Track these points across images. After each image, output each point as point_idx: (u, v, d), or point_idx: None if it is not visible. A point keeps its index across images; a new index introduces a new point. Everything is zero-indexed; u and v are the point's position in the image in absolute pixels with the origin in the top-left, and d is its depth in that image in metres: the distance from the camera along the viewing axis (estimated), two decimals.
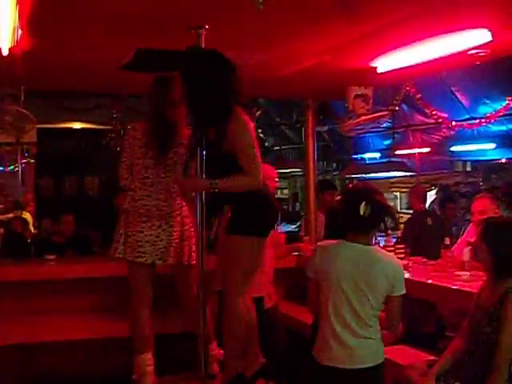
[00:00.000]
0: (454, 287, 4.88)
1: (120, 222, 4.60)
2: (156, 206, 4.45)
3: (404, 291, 3.84)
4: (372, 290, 3.69)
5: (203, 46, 4.47)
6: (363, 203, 3.69)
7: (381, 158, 12.11)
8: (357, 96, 6.62)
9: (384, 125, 11.29)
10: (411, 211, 14.48)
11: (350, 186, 5.57)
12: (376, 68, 5.84)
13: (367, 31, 4.80)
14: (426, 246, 6.66)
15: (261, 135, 14.67)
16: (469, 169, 13.57)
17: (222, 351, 4.56)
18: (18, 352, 5.72)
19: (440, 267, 5.64)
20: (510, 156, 11.01)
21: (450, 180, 13.46)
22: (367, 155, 12.49)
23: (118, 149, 7.78)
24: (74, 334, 5.79)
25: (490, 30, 4.81)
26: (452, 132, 8.74)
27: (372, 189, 3.90)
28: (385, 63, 5.75)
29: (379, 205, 3.78)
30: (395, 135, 11.47)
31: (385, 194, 11.43)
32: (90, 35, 4.80)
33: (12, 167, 11.00)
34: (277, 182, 5.85)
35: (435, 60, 5.51)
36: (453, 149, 10.90)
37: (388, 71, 5.90)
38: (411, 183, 14.26)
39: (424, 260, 6.13)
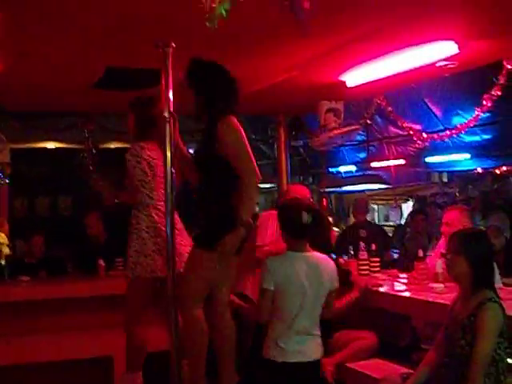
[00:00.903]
0: (429, 300, 4.87)
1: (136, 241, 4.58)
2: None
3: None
4: (321, 290, 4.31)
5: (170, 63, 4.48)
6: (304, 213, 4.23)
7: (357, 171, 12.09)
8: (328, 110, 6.65)
9: (358, 138, 11.34)
10: (389, 223, 14.62)
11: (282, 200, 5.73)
12: (345, 82, 5.85)
13: (333, 46, 4.84)
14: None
15: None
16: (445, 180, 13.58)
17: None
18: None
19: (414, 279, 5.63)
20: (484, 166, 11.04)
21: (427, 191, 13.47)
22: (342, 168, 12.46)
23: (91, 168, 7.75)
24: (49, 355, 5.75)
25: (456, 42, 4.85)
26: (426, 143, 8.76)
27: (307, 200, 4.69)
28: (353, 77, 5.78)
29: (318, 213, 4.51)
30: (370, 148, 11.47)
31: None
32: (57, 55, 4.80)
33: None
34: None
35: (404, 73, 5.57)
36: (427, 160, 10.89)
37: (357, 85, 5.92)
38: (389, 195, 14.32)
39: (398, 273, 6.13)
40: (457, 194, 12.56)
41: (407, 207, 14.35)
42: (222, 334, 4.26)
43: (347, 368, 5.04)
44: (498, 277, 4.98)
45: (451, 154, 10.48)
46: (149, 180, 4.60)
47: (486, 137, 9.83)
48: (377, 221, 15.75)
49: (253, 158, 4.07)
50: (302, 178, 13.90)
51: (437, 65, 5.34)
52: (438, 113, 9.89)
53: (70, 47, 4.64)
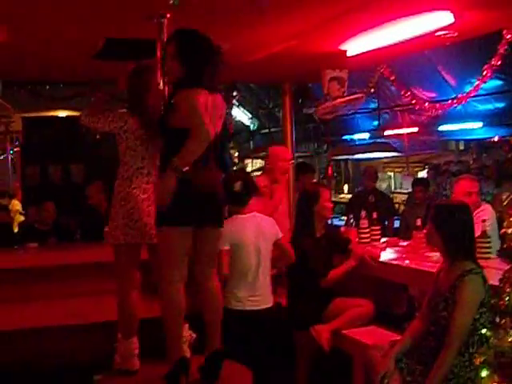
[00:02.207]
0: (424, 269, 4.91)
1: (116, 209, 4.60)
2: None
3: (282, 234, 5.16)
4: (269, 244, 5.04)
5: (165, 35, 4.52)
6: (237, 183, 4.95)
7: (370, 138, 12.10)
8: (332, 79, 6.64)
9: (372, 105, 11.33)
10: (405, 190, 14.60)
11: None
12: (346, 51, 5.85)
13: (331, 15, 4.83)
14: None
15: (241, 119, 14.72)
16: (462, 148, 13.53)
17: (194, 334, 4.61)
18: None
19: (412, 248, 5.67)
20: (497, 134, 10.99)
21: (442, 159, 13.44)
22: (356, 136, 12.47)
23: (98, 137, 7.82)
24: (53, 320, 5.85)
25: (452, 12, 4.83)
26: (439, 111, 8.70)
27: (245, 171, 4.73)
28: (354, 46, 5.77)
29: (249, 183, 5.09)
30: (384, 116, 11.46)
31: (379, 174, 11.58)
32: (57, 27, 4.85)
33: (2, 157, 11.11)
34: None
35: (404, 42, 5.53)
36: (440, 128, 10.87)
37: (358, 54, 5.92)
38: (404, 163, 14.30)
39: (397, 241, 6.18)
40: (471, 163, 12.51)
41: (423, 175, 14.31)
42: (206, 306, 4.31)
43: (342, 335, 5.10)
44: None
45: (464, 122, 10.47)
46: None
47: (498, 105, 9.81)
48: (392, 188, 15.76)
49: (204, 119, 3.84)
50: (316, 145, 13.96)
51: (436, 34, 5.31)
52: (452, 81, 9.86)
53: (68, 18, 4.68)
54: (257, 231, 5.03)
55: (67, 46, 5.37)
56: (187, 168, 3.84)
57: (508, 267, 2.91)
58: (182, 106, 3.88)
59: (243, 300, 4.97)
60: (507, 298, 2.82)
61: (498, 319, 2.82)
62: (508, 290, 2.84)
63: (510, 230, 2.81)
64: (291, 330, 5.43)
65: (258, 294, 5.00)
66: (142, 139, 4.48)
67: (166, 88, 4.52)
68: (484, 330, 2.88)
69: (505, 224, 2.95)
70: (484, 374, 2.82)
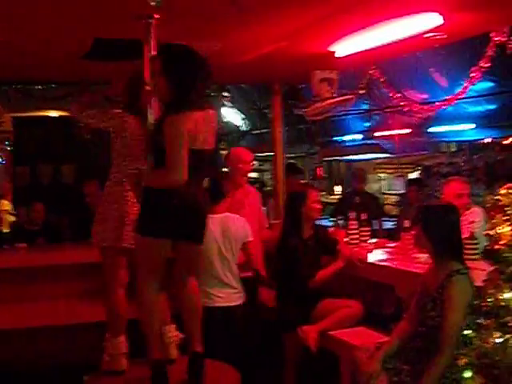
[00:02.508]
0: (412, 270, 4.93)
1: (107, 212, 4.58)
2: None
3: (251, 238, 5.36)
4: (234, 244, 5.21)
5: (153, 36, 4.51)
6: (207, 179, 4.98)
7: (362, 139, 12.09)
8: (322, 80, 6.64)
9: (363, 106, 11.32)
10: (395, 192, 14.60)
11: None
12: (334, 52, 5.86)
13: (320, 16, 4.84)
14: None
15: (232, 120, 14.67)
16: (454, 149, 13.54)
17: (181, 334, 4.60)
18: None
19: (400, 250, 5.68)
20: (488, 136, 11.00)
21: (433, 161, 13.44)
22: (347, 137, 12.46)
23: (87, 136, 7.81)
24: (37, 320, 5.85)
25: (441, 14, 4.84)
26: (429, 113, 8.72)
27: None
28: (343, 47, 5.78)
29: (215, 181, 5.28)
30: (375, 117, 11.46)
31: (369, 176, 11.69)
32: (45, 27, 4.84)
33: None
34: (252, 165, 5.93)
35: (393, 43, 5.54)
36: (431, 130, 10.88)
37: (348, 55, 5.93)
38: (396, 165, 14.31)
39: (386, 242, 6.19)
40: (462, 164, 12.52)
41: (415, 177, 14.30)
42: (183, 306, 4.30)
43: (329, 336, 5.11)
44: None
45: (456, 124, 10.47)
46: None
47: (490, 107, 9.81)
48: (383, 189, 15.74)
49: (183, 157, 3.79)
50: (309, 146, 13.94)
51: (425, 36, 5.32)
52: (443, 83, 9.86)
53: (56, 18, 4.67)
54: (222, 231, 5.21)
55: (56, 46, 5.36)
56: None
57: (492, 268, 2.92)
58: (167, 133, 3.82)
59: (212, 297, 5.17)
60: (490, 300, 2.83)
61: (481, 320, 2.83)
62: (491, 291, 2.85)
63: (492, 232, 2.82)
64: (279, 330, 5.43)
65: (224, 291, 5.21)
66: (138, 140, 4.48)
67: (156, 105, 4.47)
68: (468, 331, 2.90)
69: (487, 226, 2.96)
70: (467, 374, 2.83)
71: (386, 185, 15.68)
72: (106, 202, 4.58)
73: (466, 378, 2.80)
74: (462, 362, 2.82)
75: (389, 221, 9.16)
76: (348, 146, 12.38)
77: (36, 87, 8.02)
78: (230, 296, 5.25)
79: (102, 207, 4.62)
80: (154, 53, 4.46)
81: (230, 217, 5.33)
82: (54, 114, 9.23)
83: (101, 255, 4.61)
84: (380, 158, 13.60)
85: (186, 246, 4.09)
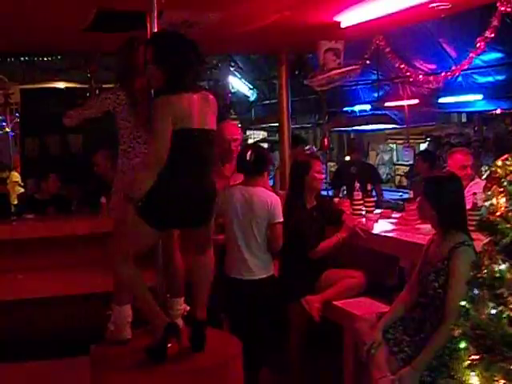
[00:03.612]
0: (415, 241, 4.94)
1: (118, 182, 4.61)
2: None
3: (281, 219, 5.11)
4: (254, 220, 5.07)
5: (156, 6, 4.48)
6: (249, 151, 5.09)
7: (371, 109, 12.06)
8: (327, 50, 6.61)
9: (373, 77, 11.28)
10: (407, 163, 14.59)
11: None
12: (340, 22, 5.83)
13: None
14: (350, 192, 6.68)
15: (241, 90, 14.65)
16: (464, 120, 13.49)
17: (188, 308, 4.62)
18: None
19: (404, 220, 5.69)
20: (496, 107, 10.94)
21: (444, 132, 13.40)
22: (357, 107, 12.43)
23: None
24: (45, 290, 5.93)
25: None
26: (435, 84, 8.66)
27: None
28: (348, 17, 5.75)
29: (261, 153, 5.21)
30: (385, 87, 11.41)
31: (381, 146, 11.74)
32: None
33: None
34: (238, 139, 5.83)
35: (398, 13, 5.51)
36: (441, 100, 10.83)
37: (353, 25, 5.89)
38: (406, 135, 14.27)
39: (391, 213, 6.18)
40: (472, 135, 12.48)
41: (424, 147, 14.28)
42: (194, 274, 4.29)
43: (333, 306, 5.15)
44: None
45: (465, 95, 10.42)
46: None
47: (499, 78, 9.75)
48: (395, 160, 15.74)
49: (159, 139, 3.78)
50: (317, 116, 13.92)
51: (429, 6, 5.29)
52: (453, 53, 9.80)
53: None
54: (246, 206, 5.11)
55: (60, 18, 5.35)
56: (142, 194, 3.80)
57: (487, 240, 2.94)
58: (152, 115, 3.83)
59: (231, 269, 5.20)
60: (485, 271, 2.84)
61: (476, 291, 2.85)
62: (486, 262, 2.86)
63: (487, 203, 2.83)
64: (283, 301, 5.46)
65: (243, 264, 5.13)
66: (135, 111, 4.48)
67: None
68: (463, 302, 2.92)
69: (483, 196, 2.97)
70: (462, 345, 2.85)
71: (397, 155, 15.69)
72: (117, 173, 4.60)
73: (461, 349, 2.82)
74: (457, 332, 2.85)
75: (397, 191, 9.17)
76: (357, 117, 12.36)
77: (42, 59, 8.02)
78: (245, 270, 5.14)
79: (115, 179, 4.63)
80: (155, 24, 4.42)
81: (264, 193, 5.18)
82: (60, 85, 9.25)
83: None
84: (389, 129, 13.57)
85: (197, 232, 4.07)
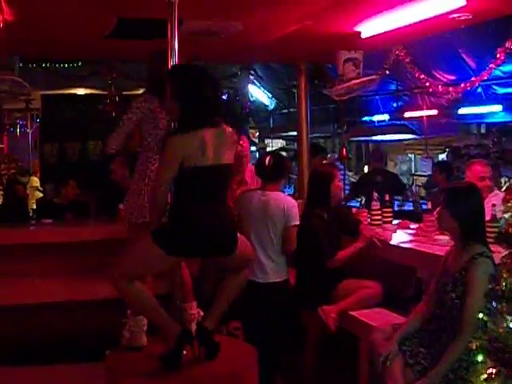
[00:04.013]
0: (433, 252, 4.91)
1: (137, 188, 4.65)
2: None
3: (297, 222, 5.24)
4: (271, 223, 5.20)
5: (176, 15, 4.49)
6: (268, 158, 5.31)
7: (389, 120, 12.04)
8: (347, 60, 6.61)
9: (392, 87, 11.26)
10: (425, 173, 14.53)
11: None
12: (360, 33, 5.83)
13: None
14: (368, 202, 6.63)
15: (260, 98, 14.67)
16: (483, 131, 13.41)
17: (202, 312, 4.63)
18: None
19: (421, 231, 5.66)
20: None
21: (462, 142, 13.33)
22: (376, 117, 12.41)
23: (114, 114, 7.87)
24: (62, 295, 5.98)
25: None
26: (454, 94, 8.64)
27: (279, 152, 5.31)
28: (368, 27, 5.75)
29: (279, 160, 5.39)
30: (404, 97, 11.39)
31: (399, 157, 11.73)
32: (70, 6, 4.87)
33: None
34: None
35: (418, 23, 5.50)
36: (460, 111, 10.79)
37: (373, 35, 5.89)
38: (424, 146, 14.22)
39: (408, 224, 6.16)
40: (491, 147, 12.41)
41: (443, 158, 14.22)
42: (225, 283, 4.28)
43: (349, 316, 5.13)
44: None
45: (484, 105, 10.37)
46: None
47: None
48: (413, 170, 15.69)
49: (162, 171, 3.86)
50: (336, 126, 13.91)
51: (450, 17, 5.28)
52: (472, 63, 9.76)
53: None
54: (263, 210, 5.24)
55: (81, 25, 5.39)
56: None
57: (506, 252, 2.92)
58: (162, 153, 3.89)
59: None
60: (504, 284, 2.83)
61: (494, 304, 2.83)
62: (505, 275, 2.84)
63: (507, 215, 2.82)
64: (298, 309, 5.45)
65: (259, 267, 5.19)
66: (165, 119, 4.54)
67: None
68: (481, 315, 2.90)
69: (502, 209, 2.94)
70: (479, 358, 2.84)
71: (415, 166, 15.65)
72: (136, 179, 4.64)
73: (478, 362, 2.80)
74: (474, 345, 2.83)
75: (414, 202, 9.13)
76: (375, 127, 12.33)
77: (63, 65, 8.09)
78: (259, 273, 5.22)
79: (133, 185, 4.67)
80: (175, 32, 4.43)
81: (280, 197, 5.34)
82: (80, 91, 9.33)
83: (130, 231, 4.66)
84: (407, 139, 13.53)
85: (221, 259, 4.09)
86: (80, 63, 8.32)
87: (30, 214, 8.13)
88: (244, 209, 5.32)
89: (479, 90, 9.65)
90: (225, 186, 4.04)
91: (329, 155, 12.96)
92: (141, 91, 8.61)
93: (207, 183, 3.82)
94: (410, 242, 5.46)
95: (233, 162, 4.04)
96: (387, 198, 6.32)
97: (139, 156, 4.74)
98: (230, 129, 4.02)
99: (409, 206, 9.17)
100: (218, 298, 4.21)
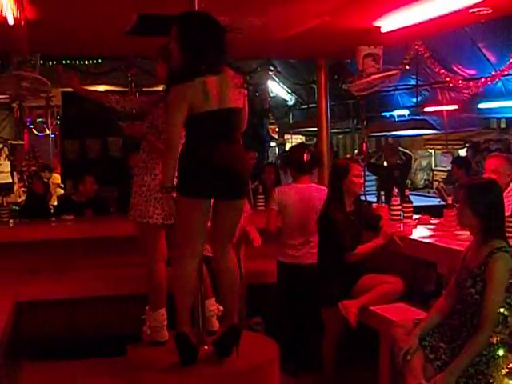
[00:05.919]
0: (453, 247, 4.90)
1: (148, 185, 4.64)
2: None
3: None
4: (311, 212, 5.75)
5: (196, 10, 4.52)
6: (305, 153, 5.88)
7: (409, 115, 12.01)
8: (367, 55, 6.60)
9: (412, 82, 11.24)
10: (445, 169, 14.47)
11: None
12: (380, 28, 5.82)
13: None
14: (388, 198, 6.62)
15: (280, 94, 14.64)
16: (503, 126, 13.34)
17: (222, 307, 4.65)
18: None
19: (442, 226, 5.65)
20: None
21: (482, 137, 13.27)
22: (396, 112, 12.39)
23: (134, 111, 7.85)
24: (83, 291, 6.05)
25: None
26: (475, 89, 8.60)
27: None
28: (388, 22, 5.74)
29: (316, 155, 6.18)
30: (424, 92, 11.36)
31: (419, 152, 11.72)
32: (91, 3, 4.90)
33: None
34: None
35: (439, 18, 5.49)
36: (480, 106, 10.75)
37: (393, 30, 5.88)
38: (444, 141, 14.17)
39: (429, 219, 6.13)
40: (511, 141, 12.35)
41: (463, 153, 14.16)
42: (221, 281, 4.32)
43: (370, 311, 5.12)
44: None
45: (504, 100, 10.33)
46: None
47: None
48: (433, 165, 15.64)
49: (171, 127, 3.93)
50: (356, 121, 13.89)
51: (470, 11, 5.26)
52: (492, 58, 9.72)
53: None
54: (302, 199, 5.92)
55: (101, 22, 5.42)
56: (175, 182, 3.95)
57: None
58: (167, 103, 3.98)
59: (286, 255, 5.97)
60: None
61: None
62: None
63: None
64: (319, 304, 5.46)
65: (299, 250, 5.91)
66: None
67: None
68: (502, 309, 2.89)
69: None
70: (501, 353, 2.83)
71: (435, 161, 15.60)
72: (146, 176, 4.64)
73: (499, 357, 2.80)
74: (495, 339, 2.82)
75: (434, 197, 9.10)
76: (395, 122, 12.31)
77: (83, 62, 8.14)
78: (300, 255, 5.91)
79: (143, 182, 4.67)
80: None
81: (314, 187, 6.06)
82: (101, 88, 9.36)
83: (140, 229, 4.67)
84: (427, 134, 13.48)
85: (226, 205, 4.08)
86: (100, 60, 8.35)
87: (52, 211, 8.17)
88: (288, 199, 5.93)
89: (499, 84, 9.61)
90: (235, 128, 4.06)
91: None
92: (161, 87, 8.66)
93: (214, 127, 3.89)
94: (431, 237, 5.44)
95: (241, 106, 4.07)
96: (407, 193, 6.29)
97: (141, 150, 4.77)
98: (233, 72, 4.05)
99: (430, 201, 9.12)
100: (227, 291, 4.27)
